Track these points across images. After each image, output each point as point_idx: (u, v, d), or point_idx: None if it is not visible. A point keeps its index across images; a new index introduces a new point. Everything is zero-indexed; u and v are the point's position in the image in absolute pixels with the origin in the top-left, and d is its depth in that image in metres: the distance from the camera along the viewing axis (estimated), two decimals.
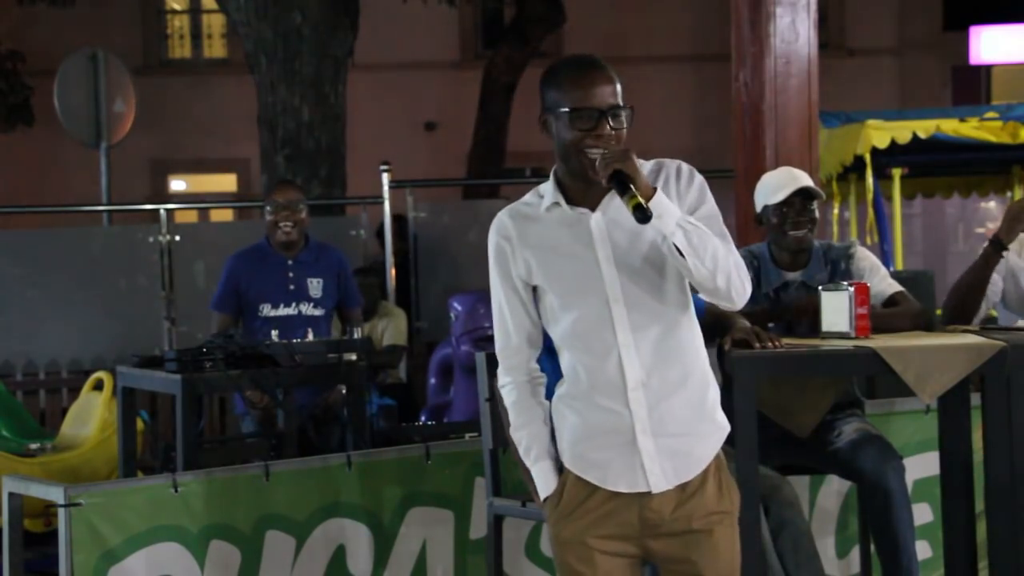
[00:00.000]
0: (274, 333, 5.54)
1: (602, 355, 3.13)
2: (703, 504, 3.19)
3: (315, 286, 6.00)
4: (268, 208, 6.02)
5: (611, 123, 3.12)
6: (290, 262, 6.00)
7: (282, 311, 5.91)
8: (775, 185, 4.64)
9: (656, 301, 3.15)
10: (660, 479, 3.14)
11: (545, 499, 3.21)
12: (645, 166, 3.17)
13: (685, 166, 3.24)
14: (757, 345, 3.92)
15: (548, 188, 3.22)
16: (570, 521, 3.18)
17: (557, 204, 3.19)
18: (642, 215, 3.00)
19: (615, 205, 3.13)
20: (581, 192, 3.18)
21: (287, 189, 6.15)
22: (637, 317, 3.13)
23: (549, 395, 3.30)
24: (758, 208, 4.68)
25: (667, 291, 3.17)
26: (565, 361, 3.20)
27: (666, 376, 3.14)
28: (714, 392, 3.24)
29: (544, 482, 3.22)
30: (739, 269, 3.14)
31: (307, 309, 5.99)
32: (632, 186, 3.02)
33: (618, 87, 3.15)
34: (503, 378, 3.29)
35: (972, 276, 4.57)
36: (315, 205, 10.05)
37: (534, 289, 3.22)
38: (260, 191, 10.66)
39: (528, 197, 3.27)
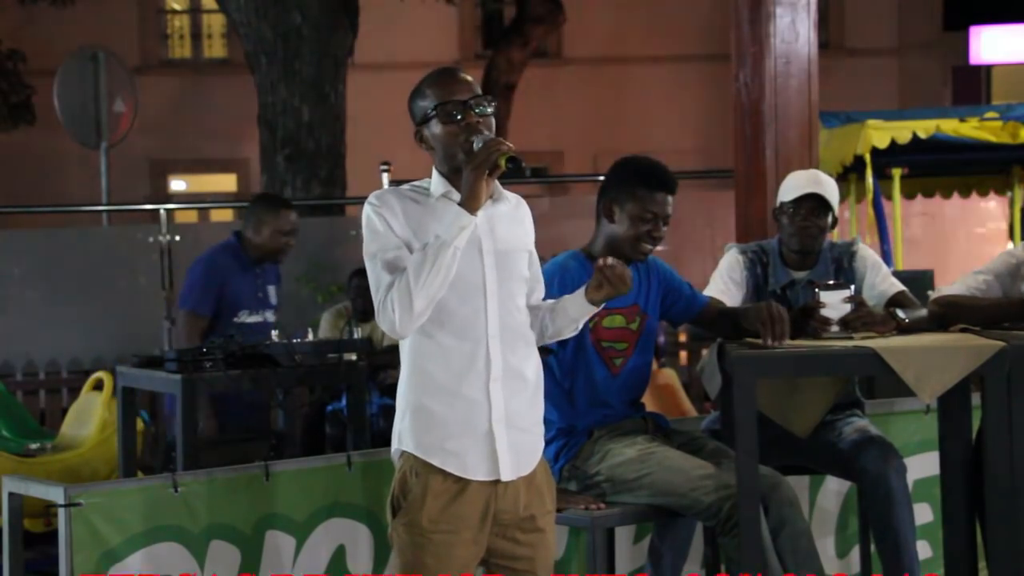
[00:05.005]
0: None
1: (473, 343, 3.27)
2: (543, 502, 3.39)
3: (272, 293, 6.11)
4: (274, 225, 6.01)
5: (476, 111, 3.28)
6: (257, 271, 6.08)
7: (254, 318, 5.97)
8: (795, 184, 4.69)
9: (519, 299, 3.36)
10: (509, 469, 3.30)
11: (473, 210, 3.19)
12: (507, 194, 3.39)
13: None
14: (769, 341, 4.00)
15: (435, 182, 3.36)
16: (430, 513, 3.27)
17: (446, 195, 3.31)
18: (515, 164, 3.19)
19: (499, 205, 3.33)
20: None
21: (293, 212, 6.15)
22: (504, 312, 3.31)
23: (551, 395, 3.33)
24: (777, 203, 4.74)
25: (524, 292, 3.39)
26: (433, 347, 3.28)
27: (520, 371, 3.33)
28: (542, 391, 3.42)
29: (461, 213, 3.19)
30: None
31: (270, 316, 6.10)
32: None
33: (476, 85, 3.34)
34: (389, 289, 3.21)
35: (983, 315, 4.31)
36: (315, 205, 10.11)
37: None
38: (260, 191, 10.65)
39: (407, 186, 3.38)
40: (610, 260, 3.40)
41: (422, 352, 3.30)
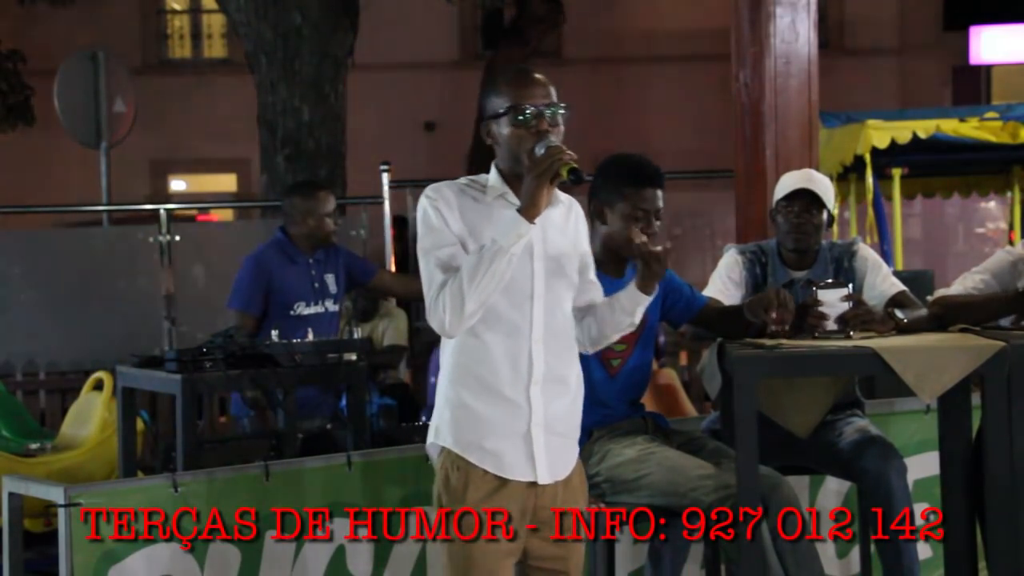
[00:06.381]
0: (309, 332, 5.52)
1: (517, 345, 3.27)
2: (577, 504, 3.42)
3: (332, 282, 6.06)
4: (316, 211, 5.98)
5: (548, 118, 3.25)
6: (311, 260, 6.03)
7: (312, 309, 5.95)
8: (788, 183, 4.71)
9: (566, 305, 3.36)
10: (545, 472, 3.31)
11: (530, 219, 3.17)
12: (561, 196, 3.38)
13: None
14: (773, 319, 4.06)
15: (493, 180, 3.33)
16: (473, 503, 3.27)
17: (504, 196, 3.30)
18: (576, 176, 3.16)
19: (552, 209, 3.30)
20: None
21: (330, 193, 6.12)
22: (550, 316, 3.31)
23: None
24: (772, 203, 4.76)
25: (571, 298, 3.40)
26: (477, 346, 3.28)
27: (562, 376, 3.34)
28: (583, 396, 3.44)
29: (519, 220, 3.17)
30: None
31: (331, 306, 6.06)
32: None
33: (552, 89, 3.30)
34: (442, 288, 3.21)
35: (980, 312, 4.34)
36: None
37: None
38: (260, 191, 10.66)
39: (464, 181, 3.36)
40: (639, 239, 3.42)
41: (466, 350, 3.30)
